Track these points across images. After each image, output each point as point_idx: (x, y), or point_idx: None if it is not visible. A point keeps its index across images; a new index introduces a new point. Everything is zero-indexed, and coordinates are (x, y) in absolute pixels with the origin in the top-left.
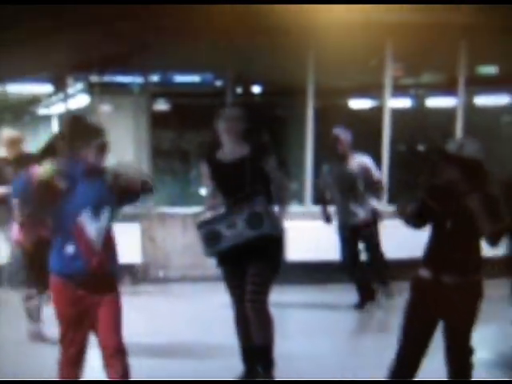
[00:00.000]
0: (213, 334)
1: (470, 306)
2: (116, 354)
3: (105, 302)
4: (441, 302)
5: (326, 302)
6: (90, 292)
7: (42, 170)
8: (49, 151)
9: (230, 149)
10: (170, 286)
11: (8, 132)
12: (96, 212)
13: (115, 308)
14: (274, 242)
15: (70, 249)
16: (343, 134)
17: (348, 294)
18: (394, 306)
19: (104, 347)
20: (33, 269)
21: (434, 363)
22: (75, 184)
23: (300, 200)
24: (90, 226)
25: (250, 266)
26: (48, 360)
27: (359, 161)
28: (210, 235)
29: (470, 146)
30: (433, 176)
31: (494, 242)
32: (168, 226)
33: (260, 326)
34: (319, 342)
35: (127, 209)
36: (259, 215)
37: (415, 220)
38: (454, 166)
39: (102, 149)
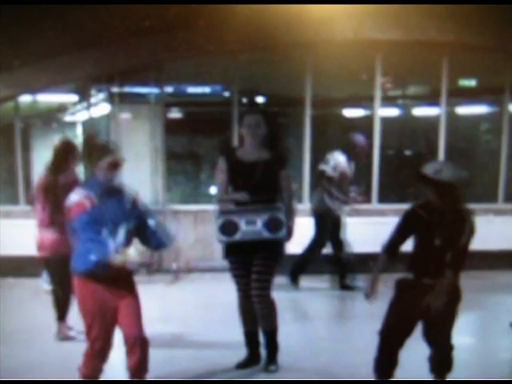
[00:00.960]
0: (219, 320)
1: (448, 307)
2: (137, 343)
3: (124, 296)
4: (422, 302)
5: (321, 290)
6: (109, 287)
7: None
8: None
9: (251, 151)
10: (182, 276)
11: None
12: (113, 229)
13: (134, 301)
14: (283, 243)
15: (92, 257)
16: (362, 140)
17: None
18: (381, 295)
19: (126, 337)
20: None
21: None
22: (96, 203)
23: (299, 199)
24: (109, 242)
25: (257, 258)
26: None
27: None
28: (227, 225)
29: (446, 171)
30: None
31: None
32: (180, 222)
33: (265, 314)
34: (314, 327)
35: None
36: (280, 221)
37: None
38: (431, 188)
39: (113, 166)
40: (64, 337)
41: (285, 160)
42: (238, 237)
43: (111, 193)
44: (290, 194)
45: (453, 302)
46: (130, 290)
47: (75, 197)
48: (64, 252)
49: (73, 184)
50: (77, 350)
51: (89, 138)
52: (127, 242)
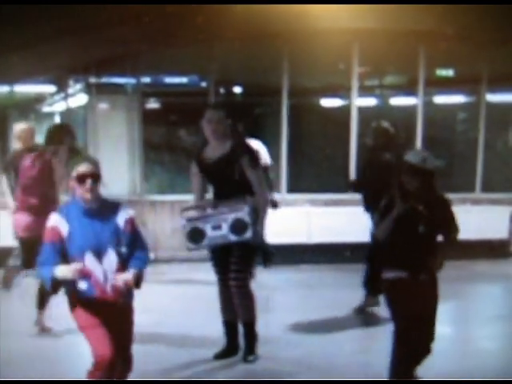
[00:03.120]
0: (196, 310)
1: (436, 298)
2: (120, 360)
3: (118, 316)
4: (418, 298)
5: (299, 280)
6: (101, 309)
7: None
8: (53, 139)
9: (214, 148)
10: (160, 266)
11: (20, 125)
12: (98, 254)
13: (127, 322)
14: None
15: (83, 284)
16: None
17: (319, 274)
18: (355, 286)
19: None
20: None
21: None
22: (76, 225)
23: (276, 188)
24: (96, 268)
25: (234, 251)
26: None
27: None
28: (194, 233)
29: (431, 159)
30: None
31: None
32: (158, 212)
33: (244, 305)
34: (292, 318)
35: (120, 195)
36: (244, 223)
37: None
38: (420, 177)
39: (81, 178)
40: (41, 328)
41: (243, 148)
42: (205, 243)
43: (99, 212)
44: (259, 181)
45: (437, 292)
46: (122, 310)
47: (49, 221)
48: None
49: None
50: (53, 342)
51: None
52: (121, 265)
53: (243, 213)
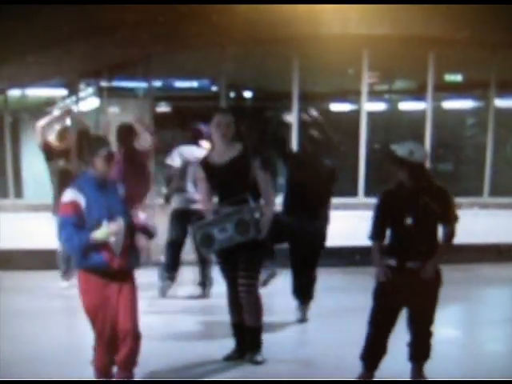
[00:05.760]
0: (207, 311)
1: (430, 291)
2: (129, 336)
3: (122, 289)
4: (406, 288)
5: None
6: (110, 281)
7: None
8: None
9: (221, 152)
10: None
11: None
12: (111, 222)
13: (131, 295)
14: (260, 241)
15: (95, 255)
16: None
17: (328, 277)
18: (358, 289)
19: (119, 329)
20: None
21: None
22: (92, 197)
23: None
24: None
25: (241, 256)
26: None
27: None
28: (204, 238)
29: (419, 151)
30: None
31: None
32: (167, 215)
33: (251, 310)
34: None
35: None
36: (246, 223)
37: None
38: (406, 170)
39: (109, 158)
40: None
41: (254, 150)
42: (216, 247)
43: (108, 186)
44: (267, 183)
45: (435, 286)
46: (128, 283)
47: (66, 196)
48: None
49: None
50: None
51: (82, 133)
52: (128, 232)
53: (244, 212)
